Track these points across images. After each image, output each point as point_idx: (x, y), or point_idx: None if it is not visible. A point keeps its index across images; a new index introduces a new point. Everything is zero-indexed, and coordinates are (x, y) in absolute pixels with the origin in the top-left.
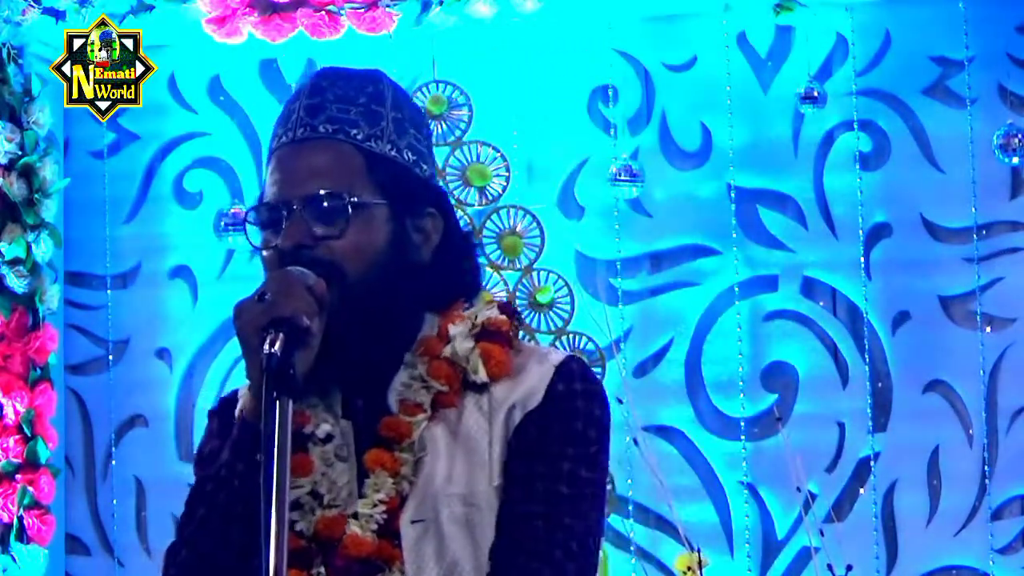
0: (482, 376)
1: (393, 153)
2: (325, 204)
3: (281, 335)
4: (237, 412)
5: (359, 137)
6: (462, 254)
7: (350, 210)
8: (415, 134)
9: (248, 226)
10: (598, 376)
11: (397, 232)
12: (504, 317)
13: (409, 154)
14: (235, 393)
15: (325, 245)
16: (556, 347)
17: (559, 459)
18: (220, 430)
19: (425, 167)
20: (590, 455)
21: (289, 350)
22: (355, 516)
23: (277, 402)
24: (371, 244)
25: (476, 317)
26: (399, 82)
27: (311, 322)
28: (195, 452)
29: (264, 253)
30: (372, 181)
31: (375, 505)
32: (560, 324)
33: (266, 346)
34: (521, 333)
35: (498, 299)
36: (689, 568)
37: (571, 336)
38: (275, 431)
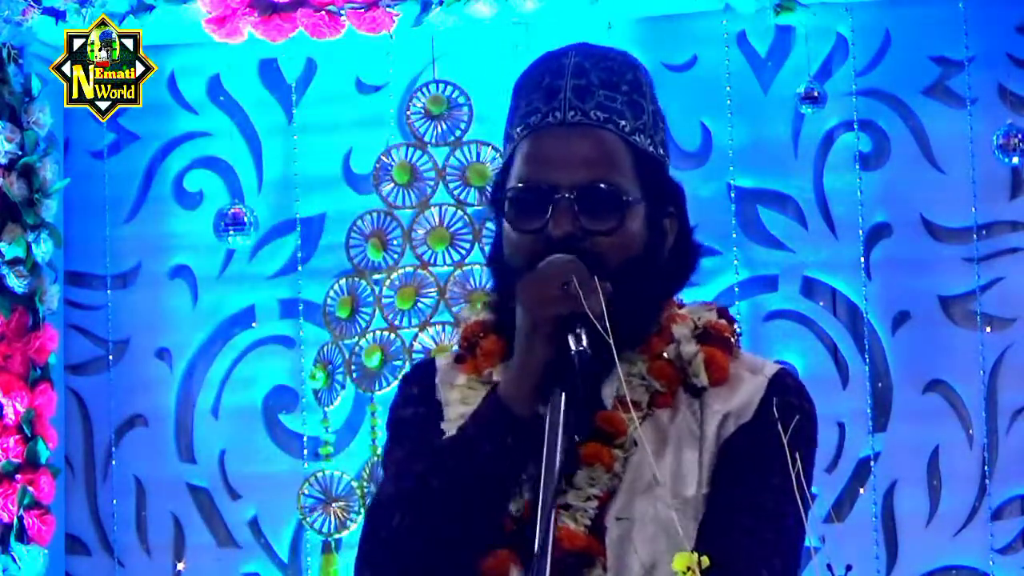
0: (703, 381)
1: (651, 149)
2: (600, 198)
3: (585, 331)
4: (501, 391)
5: (626, 129)
6: (692, 255)
7: (624, 207)
8: (663, 128)
9: (498, 199)
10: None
11: (650, 231)
12: (724, 322)
13: (661, 150)
14: (430, 361)
15: (593, 240)
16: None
17: (768, 473)
18: (420, 398)
19: (668, 163)
20: (798, 472)
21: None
22: (567, 507)
23: (562, 396)
24: (633, 243)
25: (699, 319)
26: (398, 82)
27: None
28: (391, 413)
29: (516, 233)
30: (636, 176)
31: (588, 499)
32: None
33: (572, 341)
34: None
35: (717, 304)
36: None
37: None
38: (560, 424)
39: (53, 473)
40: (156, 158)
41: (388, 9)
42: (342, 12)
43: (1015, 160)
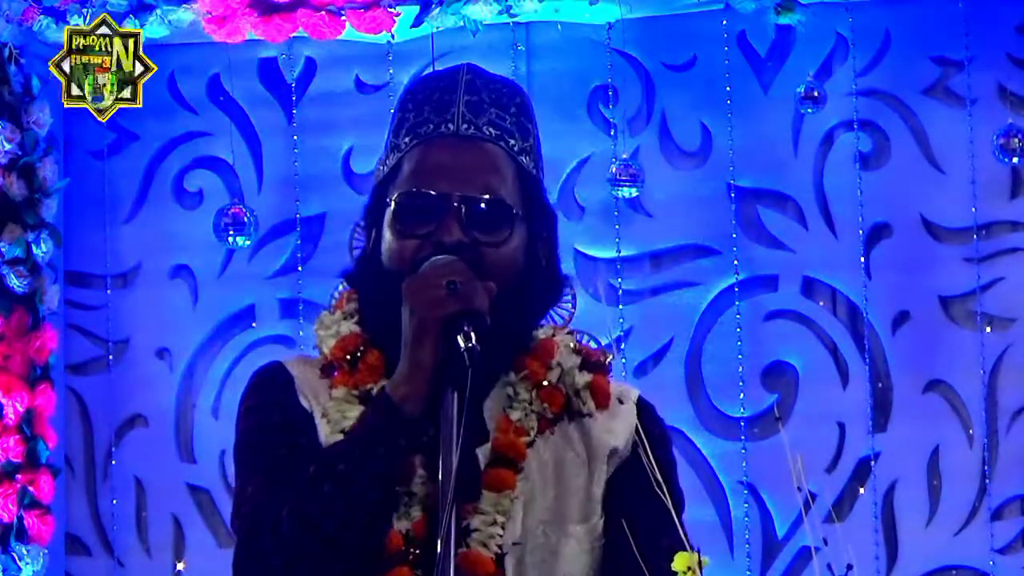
0: (590, 408)
1: (534, 171)
2: (491, 210)
3: (472, 329)
4: (391, 392)
5: (515, 148)
6: (559, 276)
7: (511, 221)
8: (541, 156)
9: (370, 205)
10: None
11: (529, 251)
12: (598, 349)
13: (541, 174)
14: (278, 365)
15: (481, 250)
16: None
17: (669, 493)
18: (285, 404)
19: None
20: (677, 498)
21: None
22: (474, 531)
23: (455, 394)
24: (518, 259)
25: (574, 346)
26: (398, 82)
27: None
28: (243, 423)
29: (398, 238)
30: (519, 194)
31: (494, 524)
32: (561, 322)
33: (462, 339)
34: None
35: (553, 321)
36: (689, 568)
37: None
38: (456, 422)
39: (53, 473)
40: (156, 158)
41: (388, 9)
42: (342, 12)
43: (1015, 160)
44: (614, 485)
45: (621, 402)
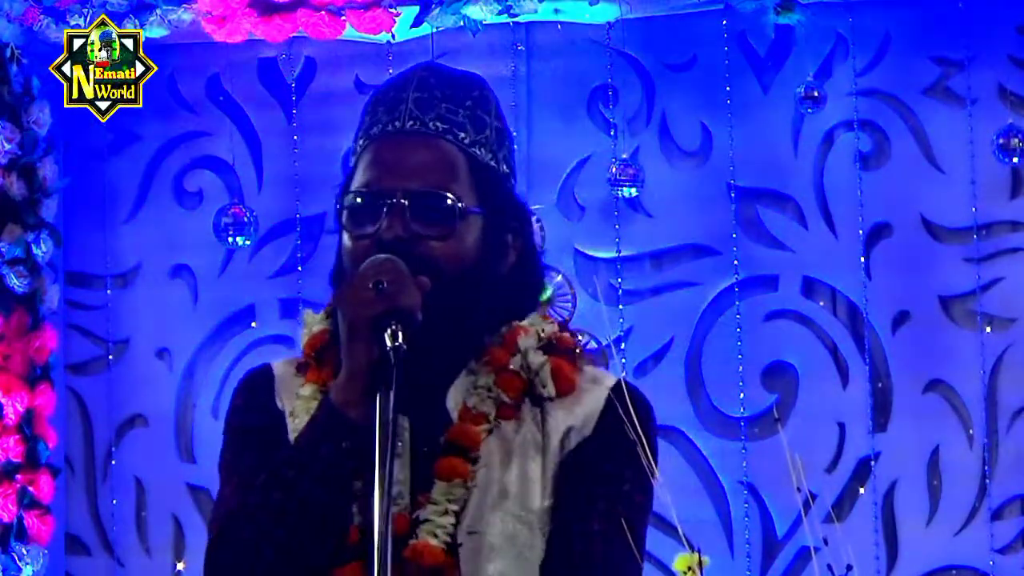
0: (550, 391)
1: (493, 163)
2: (431, 203)
3: (400, 328)
4: (333, 397)
5: (466, 141)
6: (535, 270)
7: (456, 214)
8: (508, 147)
9: (338, 209)
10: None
11: (488, 243)
12: (568, 335)
13: (505, 166)
14: (266, 368)
15: (425, 244)
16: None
17: (618, 481)
18: (262, 406)
19: (515, 181)
20: (643, 479)
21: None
22: (424, 521)
23: (389, 393)
24: (466, 252)
25: (543, 331)
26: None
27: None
28: (227, 423)
29: (352, 240)
30: (473, 188)
31: (445, 513)
32: (560, 320)
33: (388, 338)
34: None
35: (554, 317)
36: (689, 568)
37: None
38: (390, 422)
39: (53, 473)
40: (156, 158)
41: (388, 9)
42: (342, 12)
43: (1015, 160)
44: (564, 467)
45: (595, 385)
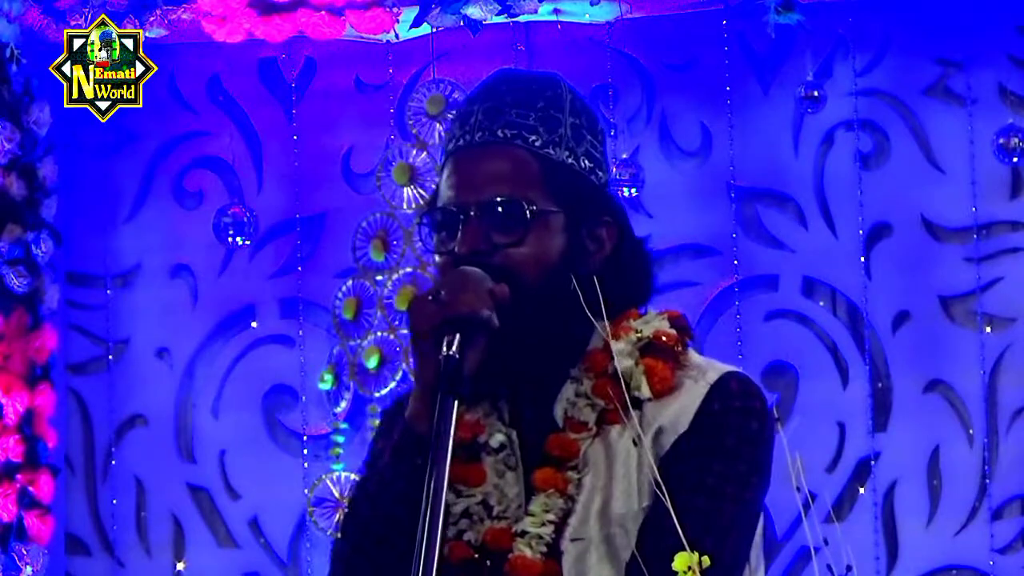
0: (645, 393)
1: (570, 160)
2: (503, 211)
3: (457, 336)
4: (406, 412)
5: (537, 144)
6: (635, 263)
7: (528, 218)
8: (592, 140)
9: (423, 228)
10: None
11: (572, 241)
12: (672, 331)
13: (586, 161)
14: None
15: (502, 252)
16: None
17: (704, 473)
18: (387, 430)
19: (601, 174)
20: (739, 473)
21: (463, 351)
22: (522, 534)
23: (449, 401)
24: (547, 253)
25: (642, 330)
26: (398, 82)
27: (491, 314)
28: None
29: (439, 257)
30: (549, 189)
31: (543, 524)
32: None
33: (443, 347)
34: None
35: (671, 310)
36: (689, 568)
37: None
38: (444, 432)
39: (53, 473)
40: (156, 158)
41: (389, 9)
42: (342, 12)
43: (1015, 160)
44: (667, 463)
45: (696, 380)
